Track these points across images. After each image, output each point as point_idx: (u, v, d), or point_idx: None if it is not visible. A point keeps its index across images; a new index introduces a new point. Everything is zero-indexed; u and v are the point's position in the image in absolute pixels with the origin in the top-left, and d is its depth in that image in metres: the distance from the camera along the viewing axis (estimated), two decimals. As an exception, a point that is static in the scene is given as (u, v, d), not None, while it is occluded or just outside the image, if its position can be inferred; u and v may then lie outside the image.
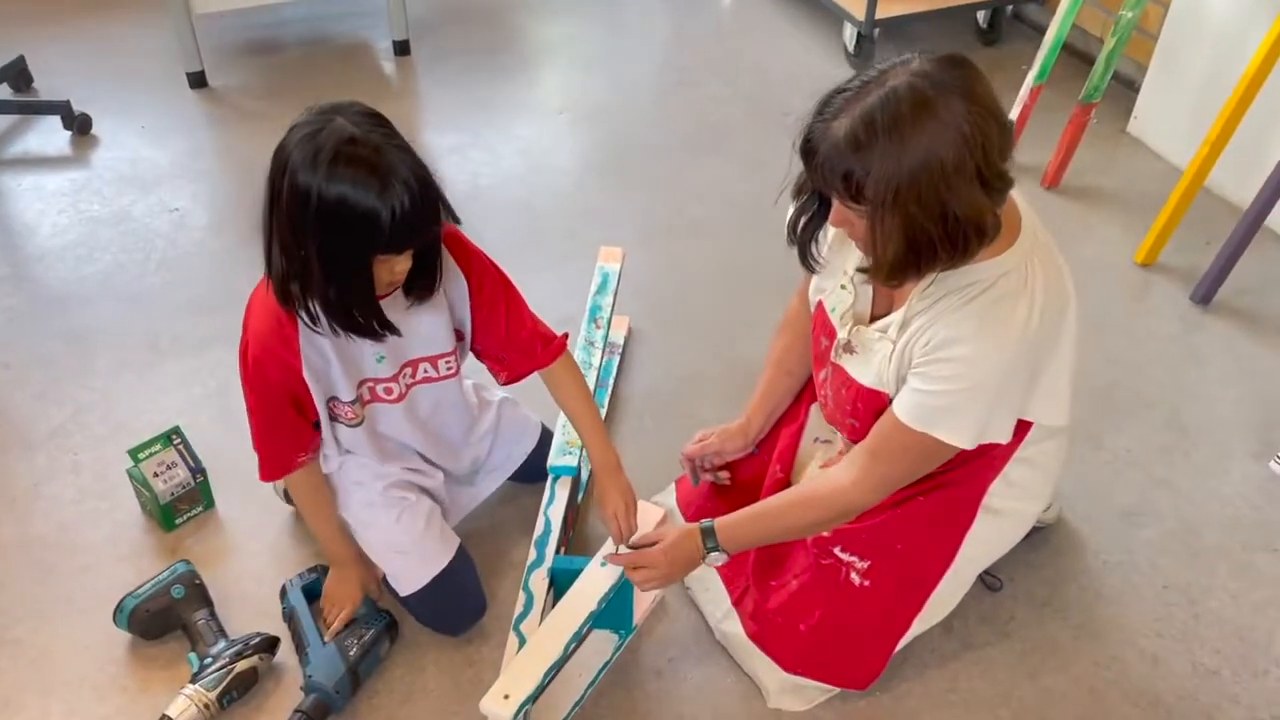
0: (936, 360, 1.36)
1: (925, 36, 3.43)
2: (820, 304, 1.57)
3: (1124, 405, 2.15)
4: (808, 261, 1.48)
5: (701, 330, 2.33)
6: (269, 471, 1.61)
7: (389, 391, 1.60)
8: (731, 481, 1.77)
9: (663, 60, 3.41)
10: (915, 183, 1.19)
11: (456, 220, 1.41)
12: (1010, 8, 3.44)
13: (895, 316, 1.42)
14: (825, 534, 1.60)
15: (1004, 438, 1.41)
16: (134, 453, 1.83)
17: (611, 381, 2.16)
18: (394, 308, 1.47)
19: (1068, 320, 1.40)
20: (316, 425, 1.60)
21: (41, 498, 1.94)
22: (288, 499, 1.89)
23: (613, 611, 1.64)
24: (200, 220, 2.63)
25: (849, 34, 3.23)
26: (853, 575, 1.59)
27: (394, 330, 1.45)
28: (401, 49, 3.25)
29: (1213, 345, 2.29)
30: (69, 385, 2.16)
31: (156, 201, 2.68)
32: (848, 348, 1.50)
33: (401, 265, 1.39)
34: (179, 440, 1.87)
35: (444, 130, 2.99)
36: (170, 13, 2.98)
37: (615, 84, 3.25)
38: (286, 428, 1.57)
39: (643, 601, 1.73)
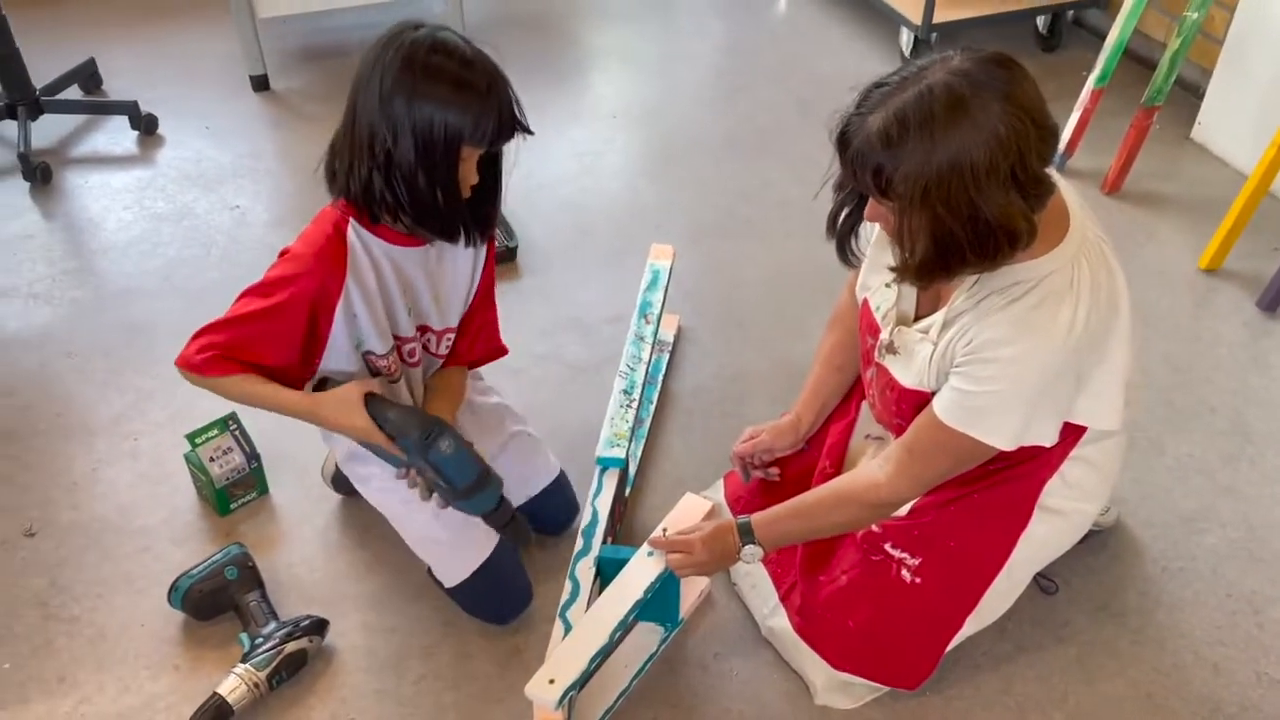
0: (977, 360, 1.34)
1: (984, 42, 3.38)
2: (866, 302, 1.56)
3: (1187, 411, 2.10)
4: (846, 256, 1.46)
5: (751, 330, 2.32)
6: (211, 365, 1.46)
7: (411, 355, 1.64)
8: (781, 478, 1.76)
9: (716, 65, 3.42)
10: (944, 182, 1.18)
11: (529, 131, 1.48)
12: (1071, 13, 3.39)
13: (937, 317, 1.40)
14: (875, 529, 1.58)
15: (1047, 440, 1.39)
16: (192, 437, 1.86)
17: (660, 378, 2.16)
18: (432, 258, 1.58)
19: (1119, 323, 1.37)
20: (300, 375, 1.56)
21: (101, 481, 1.98)
22: (336, 486, 1.91)
23: (659, 604, 1.64)
24: (260, 217, 2.67)
25: (905, 39, 3.21)
26: (903, 572, 1.56)
27: (468, 227, 1.52)
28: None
29: (1279, 352, 2.23)
30: (130, 374, 2.21)
31: (218, 199, 2.73)
32: (890, 348, 1.48)
33: (473, 174, 1.46)
34: (235, 427, 1.90)
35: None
36: (235, 17, 3.05)
37: (668, 88, 3.26)
38: (275, 334, 1.49)
39: (689, 594, 1.72)
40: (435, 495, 1.54)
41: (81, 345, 2.28)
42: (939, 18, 3.09)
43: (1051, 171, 1.39)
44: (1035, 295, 1.30)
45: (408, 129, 1.38)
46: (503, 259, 2.49)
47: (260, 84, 3.18)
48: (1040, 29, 3.36)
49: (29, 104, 2.86)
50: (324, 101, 3.14)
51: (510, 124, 1.43)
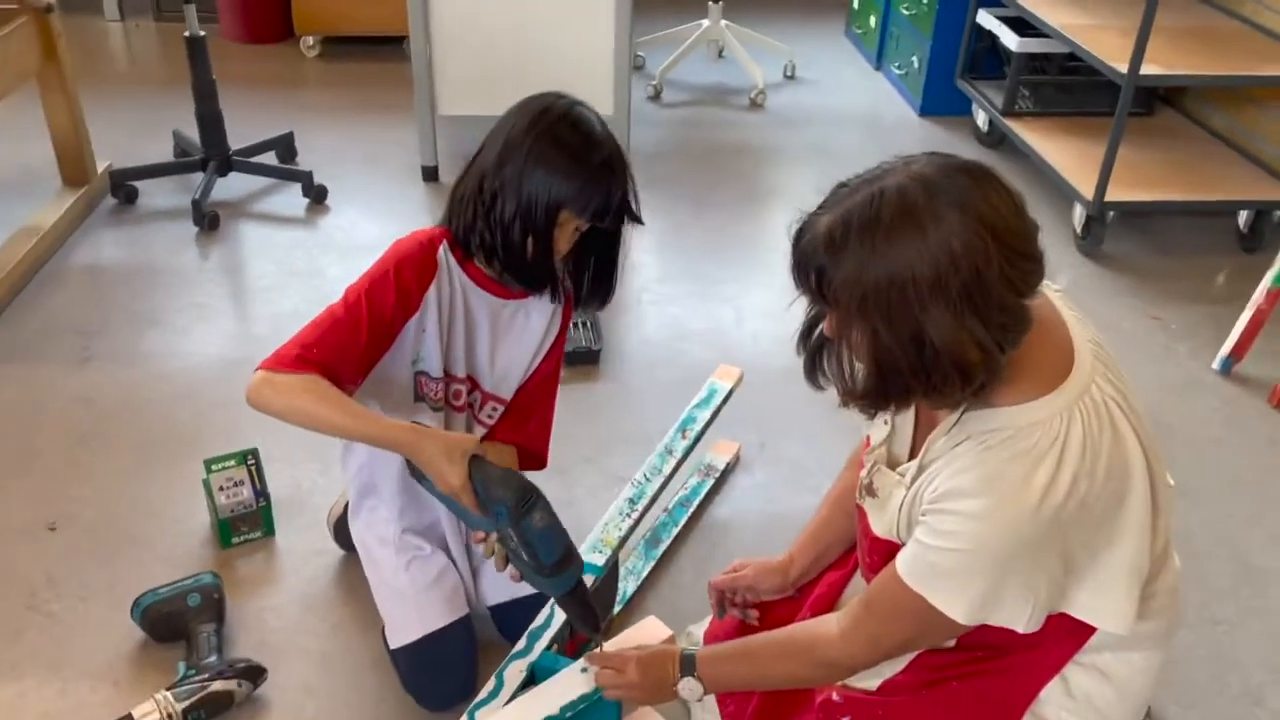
0: (939, 511, 1.16)
1: (1174, 231, 3.12)
2: (868, 438, 1.39)
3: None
4: (815, 375, 1.28)
5: (815, 475, 2.14)
6: (281, 360, 1.41)
7: (456, 396, 1.62)
8: (760, 622, 1.57)
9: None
10: (882, 294, 1.04)
11: (639, 221, 1.53)
12: (1278, 213, 3.07)
13: (916, 460, 1.22)
14: (836, 699, 1.37)
15: (1019, 625, 1.16)
16: (209, 463, 1.89)
17: (695, 502, 2.02)
18: (504, 316, 1.60)
19: (1132, 502, 1.15)
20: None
21: (133, 494, 2.04)
22: (336, 536, 1.89)
23: (592, 730, 1.48)
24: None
25: (1078, 215, 3.00)
26: (858, 756, 1.34)
27: (553, 279, 1.55)
28: (619, 170, 3.36)
29: None
30: (205, 406, 2.29)
31: (351, 266, 2.86)
32: (869, 490, 1.31)
33: (568, 242, 1.49)
34: (253, 462, 1.92)
35: (650, 244, 3.03)
36: (417, 111, 3.26)
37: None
38: (356, 341, 1.45)
39: (637, 733, 1.55)
40: (510, 567, 1.44)
41: (174, 370, 2.41)
42: (1116, 195, 2.87)
43: (1066, 311, 1.22)
44: (1011, 447, 1.11)
45: (516, 184, 1.44)
46: (585, 359, 2.45)
47: (430, 174, 3.36)
48: (1241, 226, 3.06)
49: (220, 160, 3.14)
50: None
51: (620, 207, 1.48)
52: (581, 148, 1.44)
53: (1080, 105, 3.39)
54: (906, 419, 1.30)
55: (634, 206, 1.50)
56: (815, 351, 1.27)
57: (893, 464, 1.30)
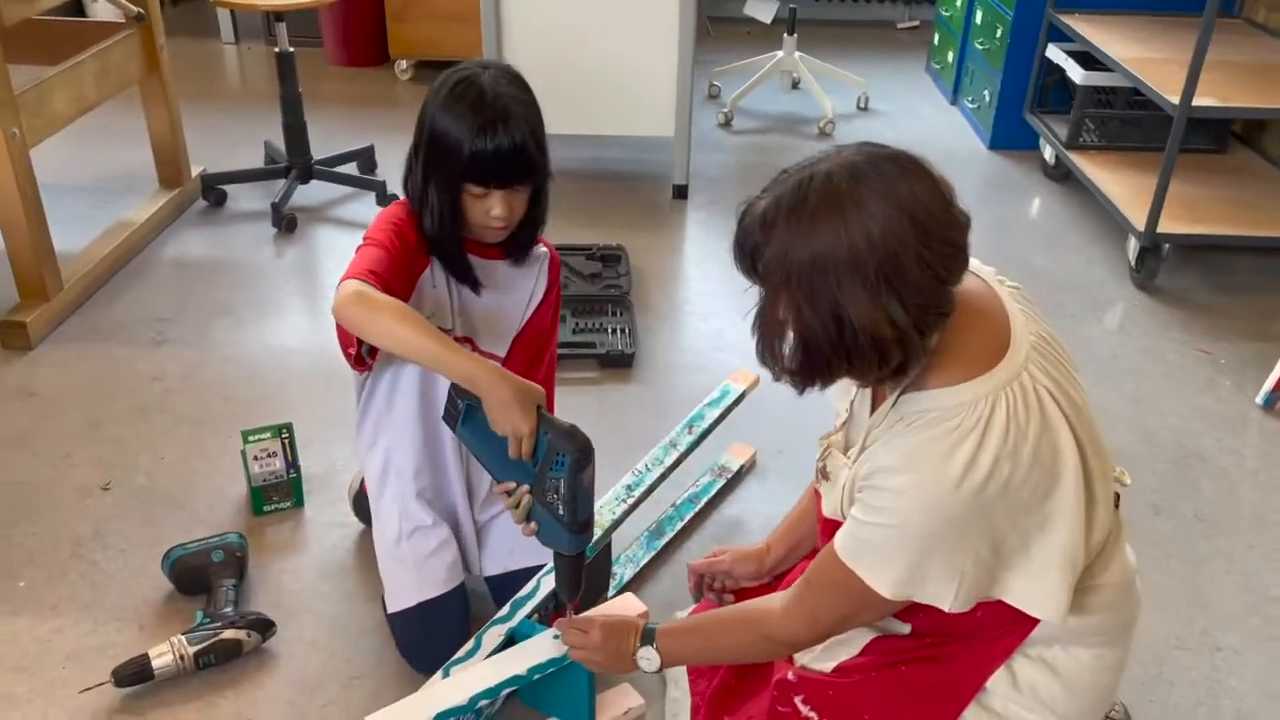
0: (870, 488, 1.20)
1: (1231, 266, 3.05)
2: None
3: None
4: (762, 356, 1.29)
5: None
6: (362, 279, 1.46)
7: None
8: (735, 607, 1.62)
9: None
10: (805, 273, 1.10)
11: (548, 175, 1.58)
12: (1350, 255, 2.98)
13: (859, 443, 1.27)
14: (791, 678, 1.41)
15: (945, 604, 1.19)
16: (246, 434, 2.03)
17: (703, 500, 2.08)
18: (489, 272, 1.66)
19: (1063, 489, 1.17)
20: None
21: (185, 462, 2.20)
22: (355, 508, 2.00)
23: (561, 698, 1.55)
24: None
25: (1132, 247, 2.96)
26: (807, 734, 1.37)
27: (469, 271, 1.61)
28: (679, 192, 3.46)
29: None
30: (260, 382, 2.45)
31: (412, 270, 3.01)
32: (823, 473, 1.35)
33: (496, 209, 1.54)
34: (287, 436, 2.04)
35: (700, 258, 3.11)
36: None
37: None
38: (401, 273, 1.54)
39: (613, 708, 1.60)
40: (531, 521, 1.44)
41: (238, 355, 2.57)
42: (1170, 228, 2.83)
43: (1013, 304, 1.25)
44: (936, 426, 1.15)
45: (425, 162, 1.54)
46: (618, 363, 2.53)
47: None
48: (1309, 267, 2.98)
49: (302, 168, 3.34)
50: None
51: (510, 164, 1.51)
52: (468, 114, 1.48)
53: (1146, 140, 3.35)
54: (864, 406, 1.35)
55: (542, 167, 1.55)
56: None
57: (848, 449, 1.35)
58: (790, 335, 1.16)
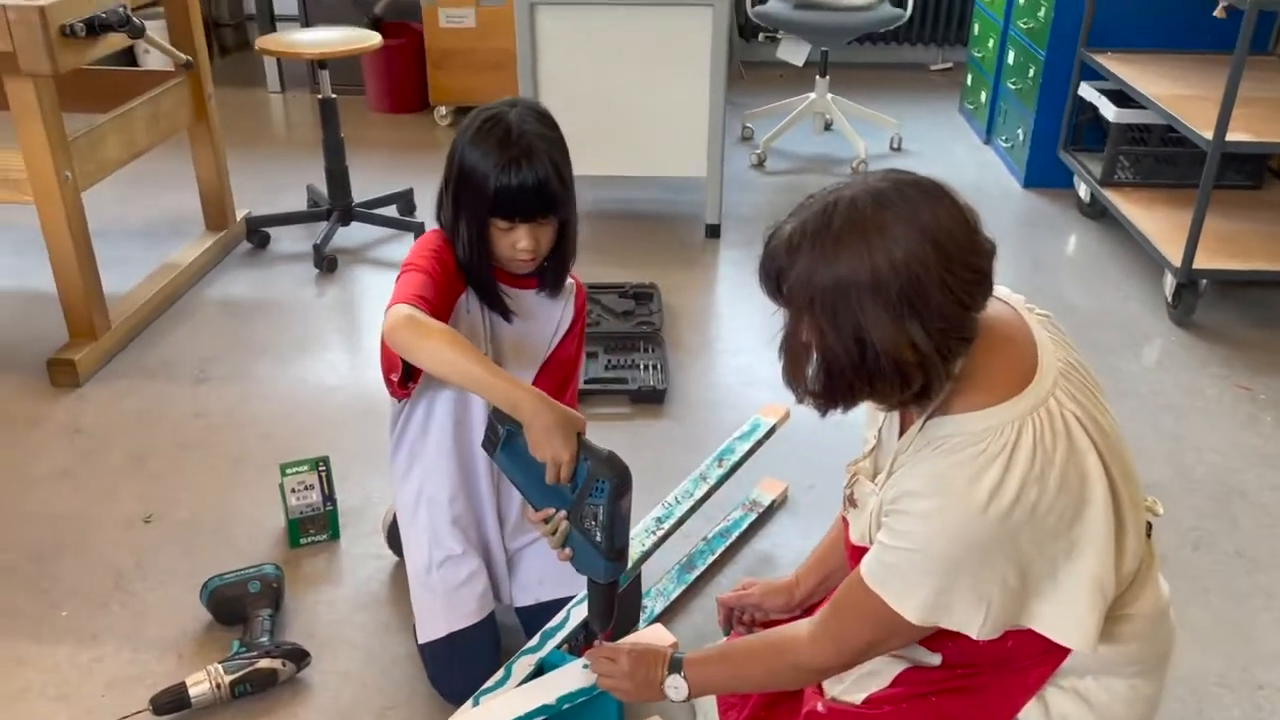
0: (895, 512, 1.21)
1: (1271, 302, 3.02)
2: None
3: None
4: (788, 380, 1.29)
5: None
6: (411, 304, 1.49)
7: None
8: (765, 640, 1.62)
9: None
10: (828, 296, 1.12)
11: (574, 209, 1.62)
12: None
13: (886, 469, 1.28)
14: (821, 710, 1.40)
15: (973, 630, 1.19)
16: (284, 467, 2.07)
17: (735, 535, 2.08)
18: (519, 301, 1.70)
19: (1091, 515, 1.16)
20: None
21: (226, 496, 2.24)
22: (389, 540, 2.02)
23: (591, 726, 1.55)
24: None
25: (1169, 283, 2.94)
26: (838, 766, 1.36)
27: (500, 299, 1.65)
28: (712, 232, 3.50)
29: None
30: (301, 416, 2.50)
31: (449, 309, 3.06)
32: (851, 500, 1.36)
33: (522, 242, 1.58)
34: (324, 469, 2.08)
35: (731, 296, 3.14)
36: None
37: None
38: (443, 299, 1.56)
39: (642, 737, 1.60)
40: (566, 546, 1.44)
41: (278, 393, 2.62)
42: (1206, 264, 2.82)
43: (1041, 331, 1.25)
44: (961, 451, 1.16)
45: (454, 195, 1.59)
46: (650, 398, 2.55)
47: (535, 229, 3.55)
48: (1352, 302, 2.94)
49: (343, 211, 3.42)
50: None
51: (534, 199, 1.54)
52: (494, 150, 1.53)
53: (1181, 177, 3.33)
54: (892, 433, 1.35)
55: (567, 203, 1.58)
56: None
57: (876, 475, 1.35)
58: (814, 357, 1.17)
